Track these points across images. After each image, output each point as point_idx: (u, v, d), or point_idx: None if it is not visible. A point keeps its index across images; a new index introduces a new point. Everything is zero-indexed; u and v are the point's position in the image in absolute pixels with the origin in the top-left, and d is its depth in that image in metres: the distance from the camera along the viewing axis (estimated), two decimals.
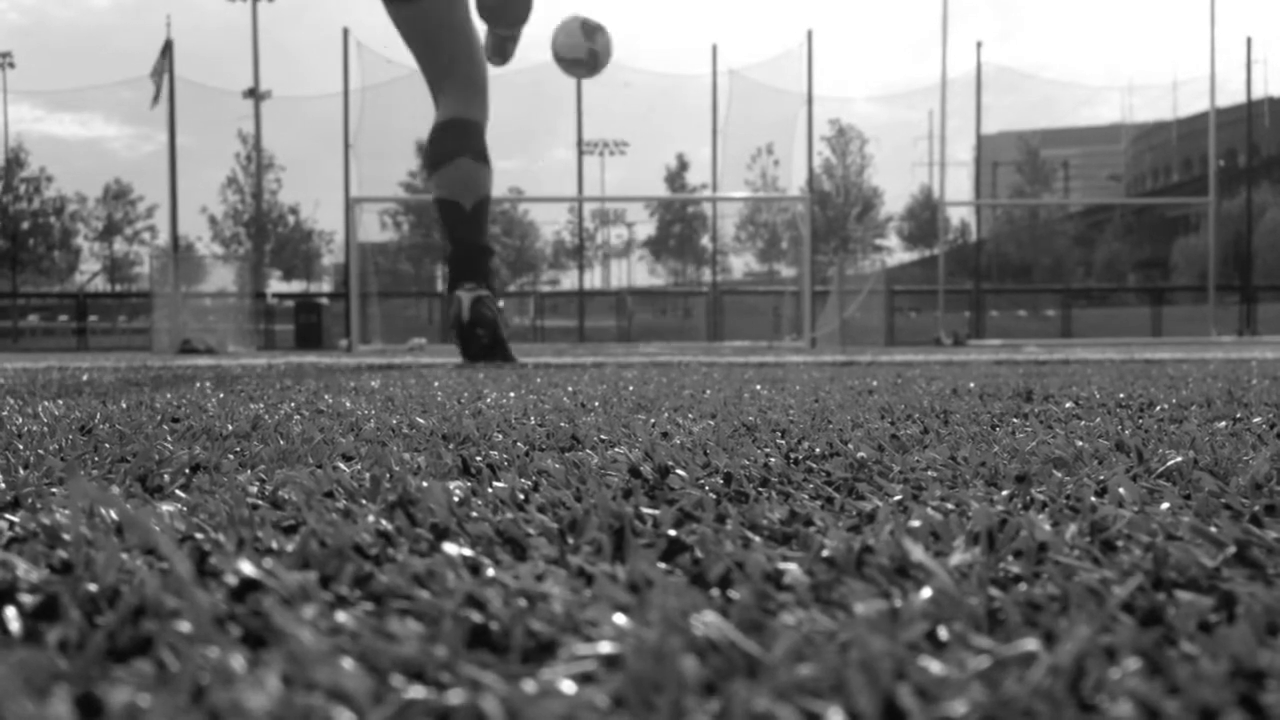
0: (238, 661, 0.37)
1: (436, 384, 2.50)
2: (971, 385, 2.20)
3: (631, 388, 2.20)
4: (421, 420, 1.41)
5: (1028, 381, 2.33)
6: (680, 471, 0.88)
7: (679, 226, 38.47)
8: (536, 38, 5.40)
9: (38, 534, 0.63)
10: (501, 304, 4.52)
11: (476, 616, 0.45)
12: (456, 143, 4.38)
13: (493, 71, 4.81)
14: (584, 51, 4.97)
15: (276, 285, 32.53)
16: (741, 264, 37.84)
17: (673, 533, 0.62)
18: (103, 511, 0.66)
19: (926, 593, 0.47)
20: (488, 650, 0.42)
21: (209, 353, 10.81)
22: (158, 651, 0.41)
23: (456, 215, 4.40)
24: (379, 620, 0.44)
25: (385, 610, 0.47)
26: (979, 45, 23.30)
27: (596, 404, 1.72)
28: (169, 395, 2.02)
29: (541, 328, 25.42)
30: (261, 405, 1.72)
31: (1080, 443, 1.06)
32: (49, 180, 32.61)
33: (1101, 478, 0.83)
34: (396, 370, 3.52)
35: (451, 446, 1.12)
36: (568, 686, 0.36)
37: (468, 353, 4.50)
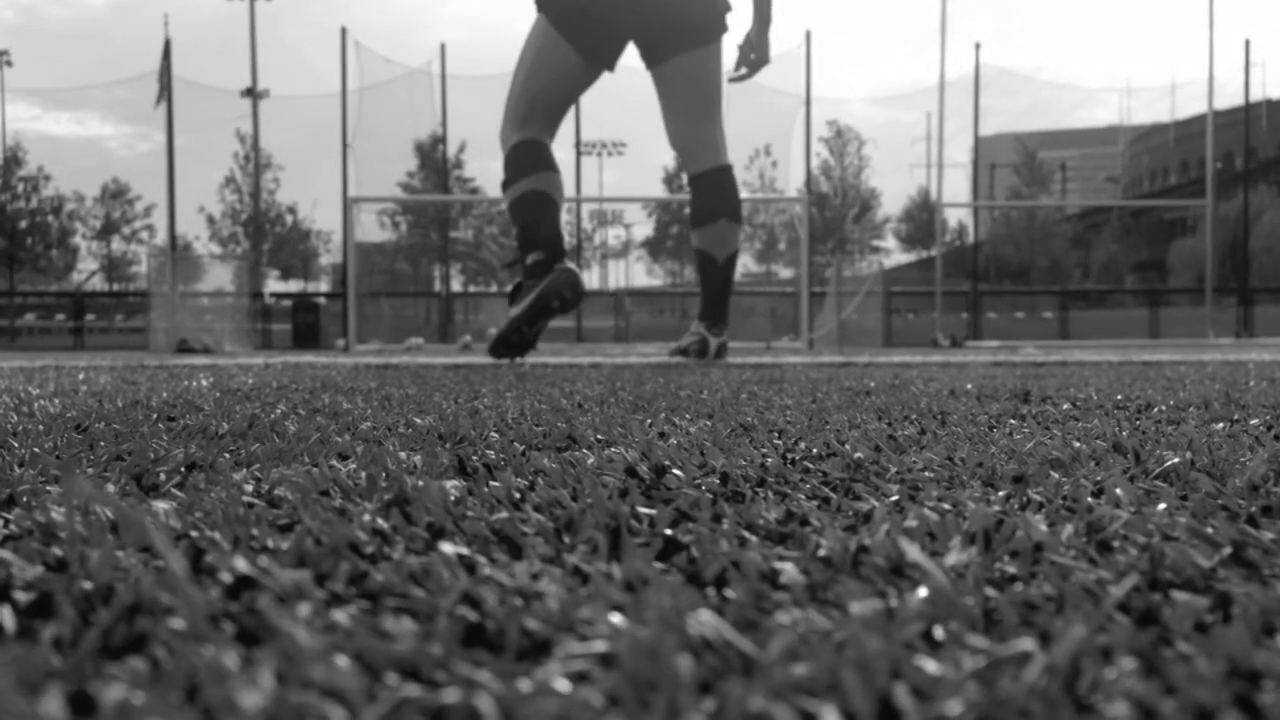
0: (232, 659, 0.37)
1: (434, 384, 2.49)
2: (969, 386, 2.20)
3: (628, 388, 2.20)
4: (418, 420, 1.41)
5: (1025, 383, 2.33)
6: (677, 471, 0.88)
7: (677, 227, 38.48)
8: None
9: (33, 531, 0.63)
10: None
11: (472, 615, 0.45)
12: (720, 200, 4.70)
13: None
14: None
15: (274, 285, 32.53)
16: (739, 265, 37.87)
17: (669, 532, 0.62)
18: (98, 509, 0.66)
19: (922, 592, 0.47)
20: (483, 649, 0.42)
21: (206, 352, 10.80)
22: (152, 649, 0.40)
23: (710, 267, 4.80)
24: (374, 618, 0.44)
25: (380, 608, 0.47)
26: (977, 47, 23.34)
27: (594, 404, 1.72)
28: (165, 394, 2.02)
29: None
30: (258, 404, 1.72)
31: (1077, 444, 1.06)
32: (47, 179, 32.60)
33: (1098, 479, 0.83)
34: (393, 370, 3.52)
35: (448, 446, 1.12)
36: (563, 685, 0.36)
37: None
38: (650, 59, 4.57)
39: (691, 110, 4.61)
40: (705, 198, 4.70)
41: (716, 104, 4.66)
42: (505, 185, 4.55)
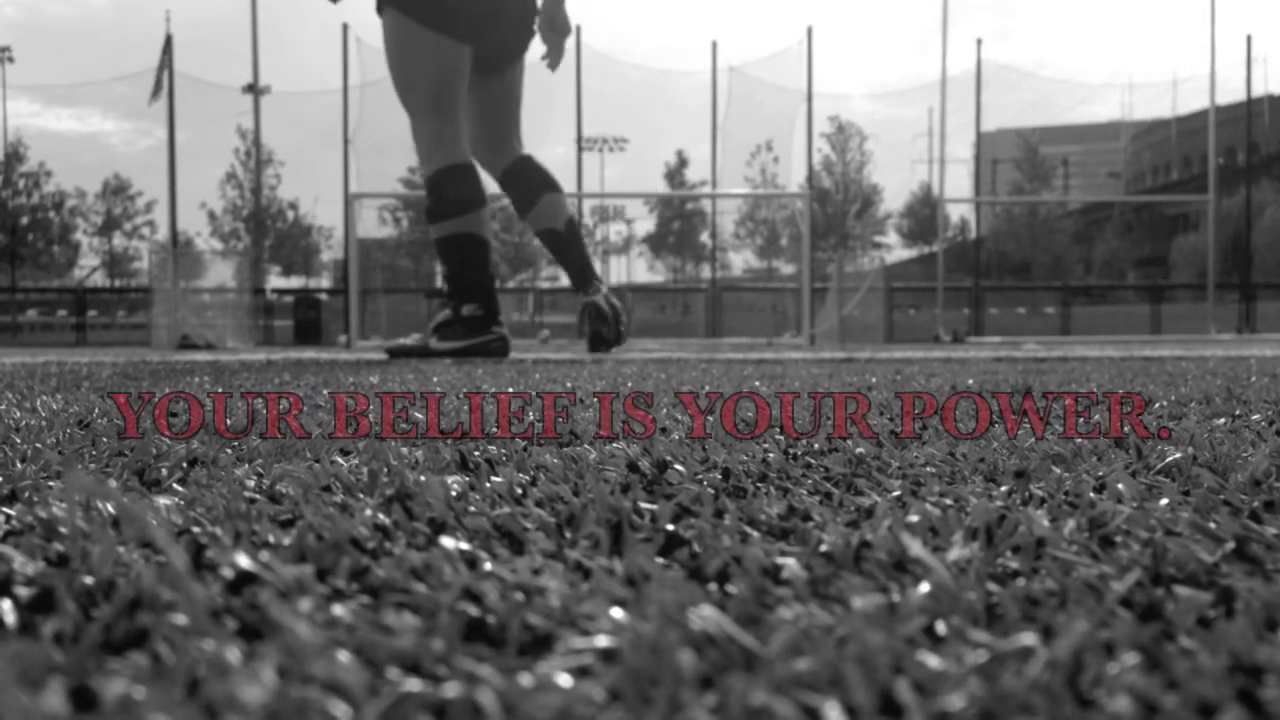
0: (233, 654, 0.37)
1: (435, 379, 2.49)
2: (970, 382, 2.20)
3: (630, 383, 2.20)
4: (420, 415, 1.41)
5: (1027, 378, 2.33)
6: (678, 466, 0.88)
7: (678, 223, 38.46)
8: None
9: (34, 527, 0.63)
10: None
11: (473, 610, 0.45)
12: (532, 182, 4.88)
13: None
14: None
15: (276, 281, 32.53)
16: (741, 261, 37.89)
17: (670, 527, 0.62)
18: (99, 505, 0.66)
19: (925, 588, 0.47)
20: (484, 644, 0.41)
21: (208, 348, 10.81)
22: (153, 644, 0.40)
23: (556, 238, 4.93)
24: (375, 613, 0.44)
25: (382, 603, 0.47)
26: (979, 42, 23.32)
27: (596, 399, 1.72)
28: (167, 390, 2.01)
29: (540, 324, 25.43)
30: (260, 400, 1.72)
31: (1079, 439, 1.06)
32: (48, 175, 32.62)
33: (1100, 474, 0.83)
34: (395, 366, 3.51)
35: (449, 441, 1.12)
36: (564, 680, 0.36)
37: (596, 348, 5.05)
38: (489, 68, 4.64)
39: (506, 116, 4.77)
40: (520, 187, 4.89)
41: (520, 107, 4.86)
42: (433, 215, 4.61)
